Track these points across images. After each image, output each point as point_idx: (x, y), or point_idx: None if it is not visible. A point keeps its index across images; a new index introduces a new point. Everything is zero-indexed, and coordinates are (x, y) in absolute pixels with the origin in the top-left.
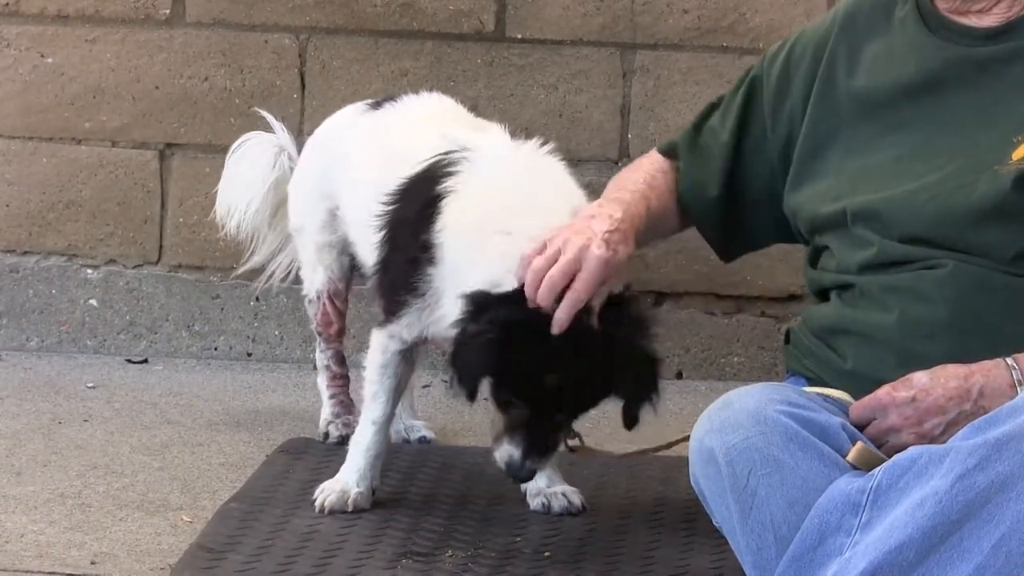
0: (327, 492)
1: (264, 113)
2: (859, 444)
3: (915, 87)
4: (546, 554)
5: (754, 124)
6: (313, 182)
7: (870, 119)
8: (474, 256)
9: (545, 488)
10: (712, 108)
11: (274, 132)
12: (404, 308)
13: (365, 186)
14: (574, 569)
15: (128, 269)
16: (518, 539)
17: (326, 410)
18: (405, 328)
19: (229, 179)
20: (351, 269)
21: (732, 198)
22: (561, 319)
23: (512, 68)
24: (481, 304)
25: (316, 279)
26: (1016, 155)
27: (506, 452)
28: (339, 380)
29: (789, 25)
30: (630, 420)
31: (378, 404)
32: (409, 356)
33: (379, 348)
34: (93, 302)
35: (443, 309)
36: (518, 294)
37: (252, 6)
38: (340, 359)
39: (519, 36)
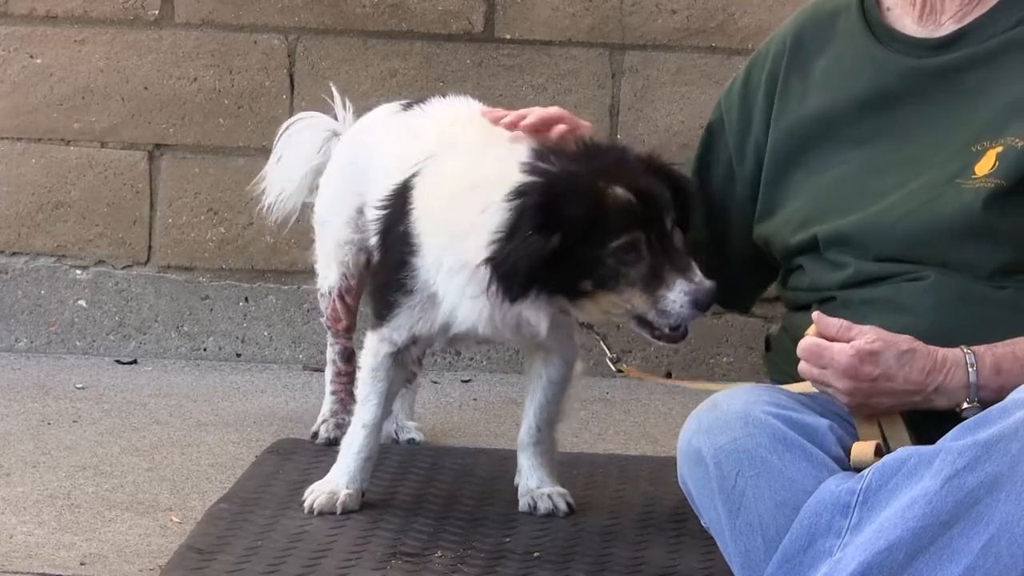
0: (316, 493)
1: (334, 89)
2: (857, 444)
3: (868, 101)
4: (535, 554)
5: (717, 166)
6: (342, 178)
7: (827, 137)
8: (454, 226)
9: (534, 488)
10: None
11: (332, 112)
12: (395, 309)
13: (382, 190)
14: (563, 569)
15: (117, 270)
16: (507, 539)
17: (325, 406)
18: (395, 330)
19: (275, 159)
20: (367, 268)
21: (717, 242)
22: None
23: (501, 68)
24: (511, 226)
25: (330, 275)
26: (979, 170)
27: (679, 294)
28: (343, 377)
29: (778, 25)
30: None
31: (369, 407)
32: (400, 359)
33: (371, 351)
34: (82, 303)
35: (437, 305)
36: (525, 186)
37: (241, 7)
38: (347, 355)
39: (508, 37)
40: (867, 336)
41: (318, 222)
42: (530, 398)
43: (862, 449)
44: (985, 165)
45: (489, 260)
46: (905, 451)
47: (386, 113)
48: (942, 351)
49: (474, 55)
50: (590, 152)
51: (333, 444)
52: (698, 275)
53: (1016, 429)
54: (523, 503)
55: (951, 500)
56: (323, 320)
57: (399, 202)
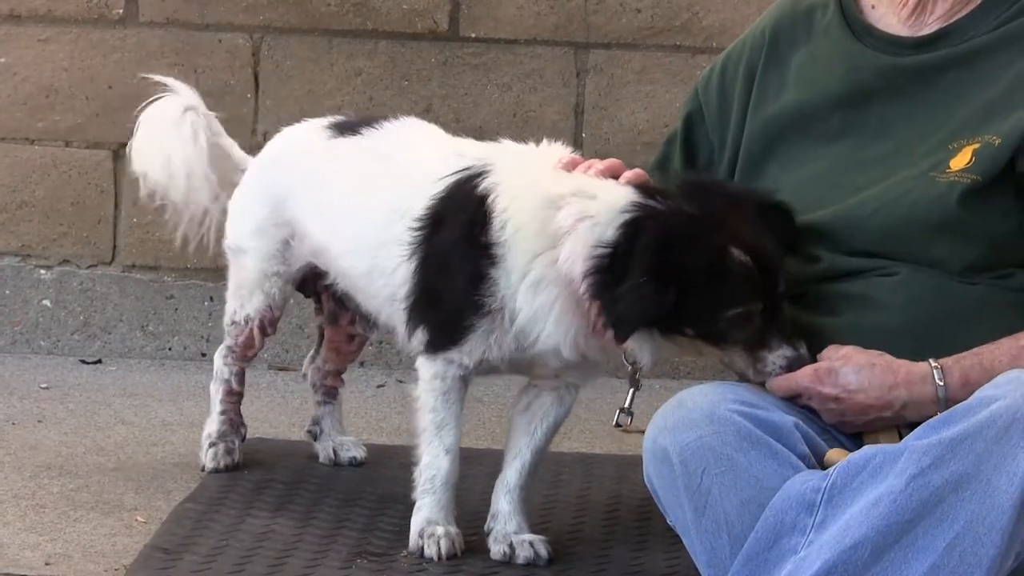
0: (431, 539)
1: (162, 79)
2: (833, 450)
3: (845, 97)
4: None
5: (700, 156)
6: (265, 208)
7: (802, 131)
8: (548, 230)
9: (512, 533)
10: (668, 144)
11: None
12: (468, 333)
13: (366, 224)
14: (529, 567)
15: (82, 269)
16: (473, 537)
17: (212, 426)
18: (467, 354)
19: (147, 150)
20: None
21: None
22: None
23: (466, 67)
24: (610, 261)
25: (251, 305)
26: (955, 164)
27: (779, 358)
28: (234, 397)
29: (742, 24)
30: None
31: (448, 432)
32: (467, 378)
33: (437, 376)
34: (47, 302)
35: (513, 325)
36: (633, 224)
37: (205, 5)
38: (243, 378)
39: (473, 35)
40: (835, 354)
41: (232, 250)
42: (527, 438)
43: (836, 456)
44: (961, 160)
45: (598, 288)
46: (870, 449)
47: (315, 136)
48: (906, 366)
49: (439, 54)
50: (695, 189)
51: (220, 471)
52: (800, 344)
53: (981, 428)
54: (497, 551)
55: (916, 498)
56: (229, 344)
57: (471, 214)
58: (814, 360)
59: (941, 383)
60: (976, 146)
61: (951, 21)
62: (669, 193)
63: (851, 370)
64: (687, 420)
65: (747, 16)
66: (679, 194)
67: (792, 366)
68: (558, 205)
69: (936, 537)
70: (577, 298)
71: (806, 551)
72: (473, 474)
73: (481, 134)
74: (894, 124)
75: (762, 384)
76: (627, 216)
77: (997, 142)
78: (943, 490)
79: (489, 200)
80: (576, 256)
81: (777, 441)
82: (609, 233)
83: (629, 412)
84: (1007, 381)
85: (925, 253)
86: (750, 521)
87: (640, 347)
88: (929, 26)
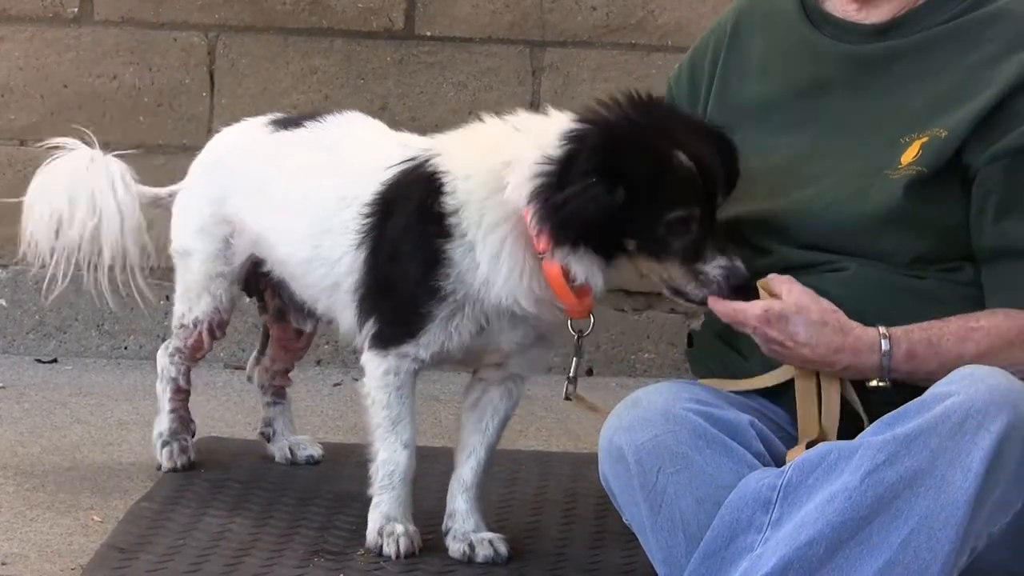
0: (391, 536)
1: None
2: (793, 450)
3: (803, 87)
4: None
5: None
6: (208, 208)
7: (762, 122)
8: (492, 170)
9: (471, 532)
10: None
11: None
12: (426, 322)
13: (307, 212)
14: (485, 566)
15: (37, 268)
16: (430, 536)
17: (163, 424)
18: (424, 346)
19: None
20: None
21: None
22: None
23: (422, 66)
24: (554, 173)
25: (199, 307)
26: (904, 159)
27: (715, 268)
28: (182, 395)
29: (698, 22)
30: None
31: (404, 426)
32: (419, 370)
33: (390, 371)
34: (2, 302)
35: (472, 302)
36: (576, 135)
37: (161, 4)
38: (189, 376)
39: (428, 34)
40: (789, 297)
41: (179, 253)
42: (479, 435)
43: (796, 454)
44: (910, 155)
45: (543, 199)
46: (825, 446)
47: (257, 133)
48: (856, 331)
49: (395, 52)
50: (641, 103)
51: (178, 470)
52: (735, 257)
53: (935, 424)
54: (457, 549)
55: (871, 495)
56: (177, 345)
57: (422, 196)
58: (752, 276)
59: (886, 354)
60: (924, 139)
61: (903, 12)
62: (614, 105)
63: (802, 322)
64: (642, 419)
65: (702, 14)
66: (625, 105)
67: (729, 276)
68: (500, 147)
69: (891, 533)
70: (527, 235)
71: (762, 548)
72: (429, 472)
73: (437, 132)
74: (848, 115)
75: (704, 303)
76: (569, 133)
77: (944, 135)
78: (898, 486)
79: (438, 176)
80: (521, 182)
81: (732, 439)
82: (552, 152)
83: (573, 380)
84: (961, 377)
85: (874, 247)
86: (706, 519)
87: (590, 272)
88: (880, 19)
